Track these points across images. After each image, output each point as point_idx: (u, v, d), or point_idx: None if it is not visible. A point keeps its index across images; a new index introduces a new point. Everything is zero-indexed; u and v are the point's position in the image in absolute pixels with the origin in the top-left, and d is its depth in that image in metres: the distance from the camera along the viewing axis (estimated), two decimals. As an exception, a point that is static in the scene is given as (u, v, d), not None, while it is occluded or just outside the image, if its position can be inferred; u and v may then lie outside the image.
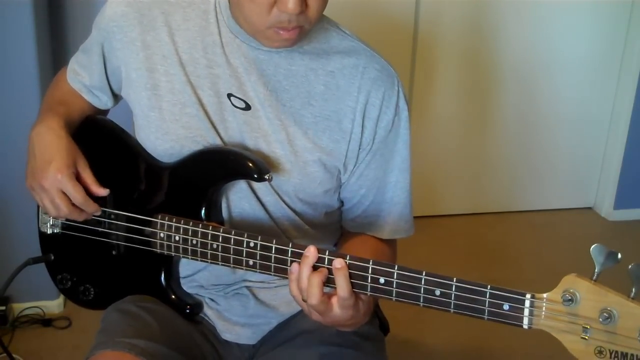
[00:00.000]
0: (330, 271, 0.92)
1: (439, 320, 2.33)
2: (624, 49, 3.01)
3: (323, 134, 1.08)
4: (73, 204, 1.07)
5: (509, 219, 3.14)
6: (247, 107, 1.07)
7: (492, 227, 3.07)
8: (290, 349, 1.12)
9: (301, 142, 1.07)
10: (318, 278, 0.91)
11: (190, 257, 1.06)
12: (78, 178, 1.08)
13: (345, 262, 0.91)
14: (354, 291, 0.92)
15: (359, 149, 1.10)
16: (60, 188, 1.05)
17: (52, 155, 1.06)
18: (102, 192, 1.09)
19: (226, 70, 1.06)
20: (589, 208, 3.27)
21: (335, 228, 1.22)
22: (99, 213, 1.12)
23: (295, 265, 0.94)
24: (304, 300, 0.93)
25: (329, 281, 0.93)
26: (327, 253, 0.94)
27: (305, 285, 0.92)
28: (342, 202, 1.18)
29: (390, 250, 1.18)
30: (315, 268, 0.93)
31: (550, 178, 3.17)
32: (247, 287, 1.17)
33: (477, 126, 3.05)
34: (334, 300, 0.93)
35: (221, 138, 1.08)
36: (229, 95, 1.07)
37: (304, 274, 0.92)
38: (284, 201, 1.11)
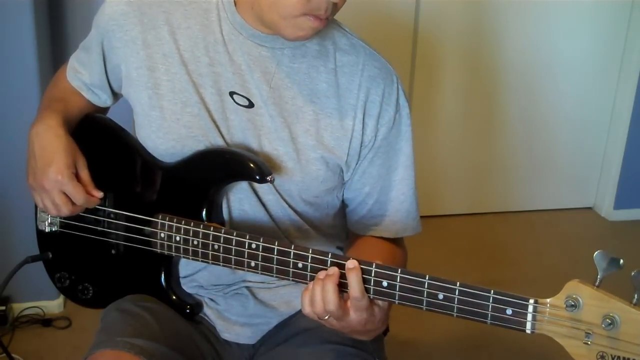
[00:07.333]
0: (341, 275, 0.93)
1: (438, 320, 2.32)
2: (624, 49, 3.01)
3: (325, 131, 1.08)
4: (73, 203, 1.08)
5: (509, 219, 3.14)
6: (250, 105, 1.07)
7: (493, 227, 3.07)
8: (290, 348, 1.12)
9: (303, 139, 1.07)
10: (331, 283, 0.91)
11: (191, 257, 1.06)
12: (77, 177, 1.09)
13: (358, 263, 0.92)
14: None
15: (361, 146, 1.10)
16: (61, 189, 1.07)
17: (51, 157, 1.06)
18: (96, 195, 1.10)
19: (228, 68, 1.07)
20: (589, 208, 3.27)
21: (337, 230, 1.22)
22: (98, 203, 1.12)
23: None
24: (319, 318, 0.94)
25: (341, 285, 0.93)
26: (329, 260, 0.94)
27: (319, 298, 0.92)
28: (346, 204, 1.18)
29: (401, 251, 1.18)
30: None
31: (550, 178, 3.17)
32: (246, 287, 1.17)
33: (477, 126, 3.04)
34: (349, 303, 0.93)
35: (223, 137, 1.08)
36: (232, 94, 1.07)
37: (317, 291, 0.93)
38: (285, 201, 1.11)
